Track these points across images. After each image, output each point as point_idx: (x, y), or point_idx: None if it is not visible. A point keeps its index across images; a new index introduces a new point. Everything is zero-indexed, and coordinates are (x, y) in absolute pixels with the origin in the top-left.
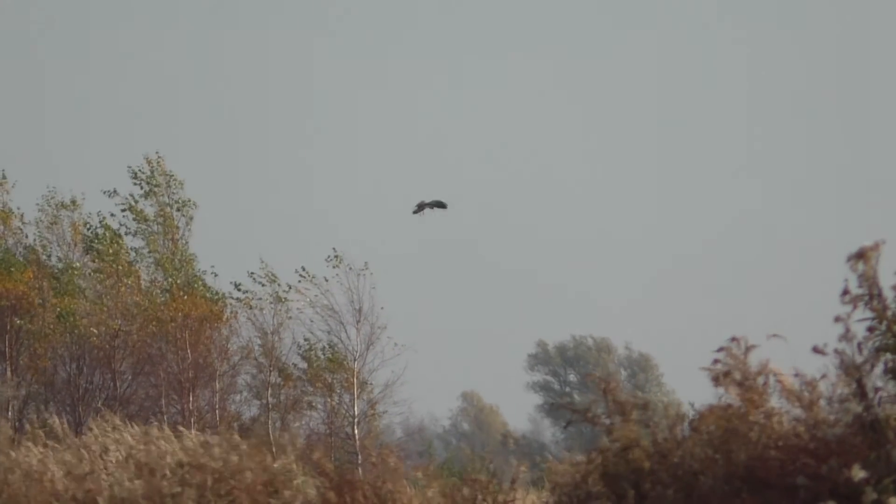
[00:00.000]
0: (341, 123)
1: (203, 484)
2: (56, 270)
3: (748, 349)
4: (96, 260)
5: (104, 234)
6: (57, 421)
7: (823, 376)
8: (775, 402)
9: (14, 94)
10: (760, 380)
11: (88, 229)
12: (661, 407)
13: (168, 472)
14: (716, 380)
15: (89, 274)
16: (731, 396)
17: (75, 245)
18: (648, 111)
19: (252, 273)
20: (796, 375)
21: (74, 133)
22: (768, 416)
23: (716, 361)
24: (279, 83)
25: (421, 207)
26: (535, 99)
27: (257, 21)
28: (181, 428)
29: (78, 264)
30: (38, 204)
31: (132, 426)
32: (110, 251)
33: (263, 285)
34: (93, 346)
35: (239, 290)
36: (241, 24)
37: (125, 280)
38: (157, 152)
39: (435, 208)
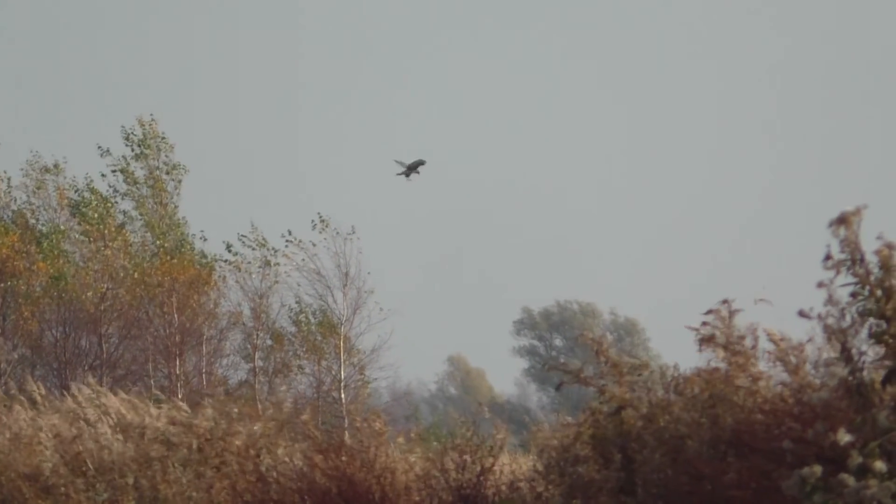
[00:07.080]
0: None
1: (190, 447)
2: (39, 234)
3: (733, 312)
4: (82, 223)
5: (90, 197)
6: (36, 387)
7: (810, 340)
8: (762, 366)
9: None
10: (748, 342)
11: (76, 192)
12: (658, 369)
13: (158, 436)
14: (702, 342)
15: (76, 237)
16: (718, 360)
17: (61, 209)
18: (637, 77)
19: (243, 236)
20: (782, 340)
21: (59, 96)
22: (754, 380)
23: (704, 324)
24: (267, 50)
25: (409, 171)
26: (529, 77)
27: None
28: (157, 392)
29: (64, 227)
30: (22, 169)
31: (116, 392)
32: (96, 214)
33: (253, 249)
34: (80, 309)
35: (230, 251)
36: None
37: (111, 244)
38: (150, 114)
39: (418, 168)
